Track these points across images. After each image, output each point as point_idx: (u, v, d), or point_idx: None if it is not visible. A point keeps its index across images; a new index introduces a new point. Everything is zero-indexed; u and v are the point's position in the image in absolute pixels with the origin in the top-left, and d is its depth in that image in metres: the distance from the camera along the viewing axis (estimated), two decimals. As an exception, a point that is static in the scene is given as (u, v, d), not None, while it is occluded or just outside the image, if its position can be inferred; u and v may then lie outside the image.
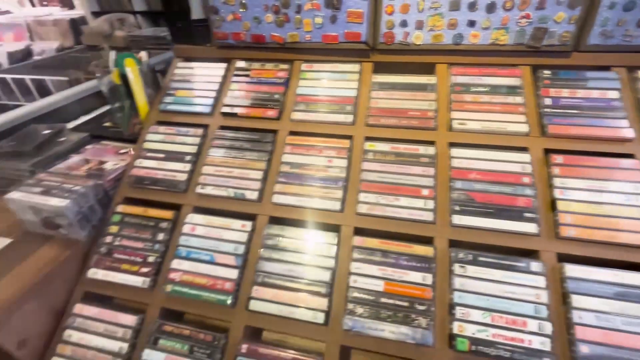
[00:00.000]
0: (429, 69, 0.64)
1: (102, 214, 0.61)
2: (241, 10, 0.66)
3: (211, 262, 0.54)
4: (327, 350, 0.48)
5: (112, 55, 0.64)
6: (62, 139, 0.71)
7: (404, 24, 0.60)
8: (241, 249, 0.54)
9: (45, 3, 2.65)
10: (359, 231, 0.53)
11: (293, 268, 0.52)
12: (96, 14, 2.20)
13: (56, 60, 1.69)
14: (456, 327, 0.45)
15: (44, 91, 1.42)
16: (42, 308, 0.52)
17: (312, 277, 0.51)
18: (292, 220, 0.56)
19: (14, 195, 0.55)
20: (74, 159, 0.68)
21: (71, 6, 2.61)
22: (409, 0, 0.58)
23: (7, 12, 2.62)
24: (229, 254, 0.54)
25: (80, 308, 0.54)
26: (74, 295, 0.56)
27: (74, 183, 0.58)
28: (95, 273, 0.56)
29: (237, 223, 0.57)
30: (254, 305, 0.50)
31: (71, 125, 0.86)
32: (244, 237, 0.55)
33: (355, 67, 0.65)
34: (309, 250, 0.53)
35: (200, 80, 0.71)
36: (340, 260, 0.52)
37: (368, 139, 0.59)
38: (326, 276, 0.51)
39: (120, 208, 0.61)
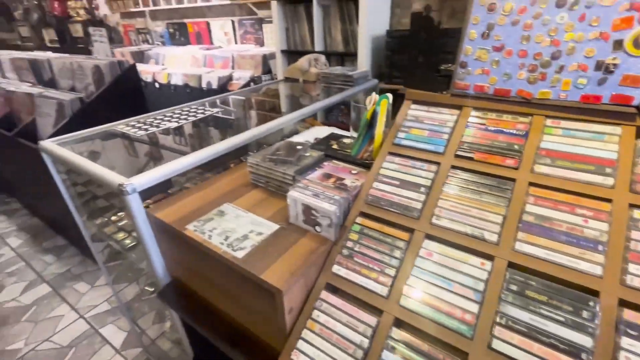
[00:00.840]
0: None
1: (343, 221, 0.73)
2: (493, 66, 0.73)
3: (449, 290, 0.58)
4: (586, 423, 0.45)
5: (374, 95, 0.79)
6: (307, 154, 0.89)
7: (699, 92, 0.56)
8: (480, 286, 0.57)
9: (244, 42, 3.43)
10: (623, 303, 0.50)
11: (542, 321, 0.52)
12: (283, 52, 2.72)
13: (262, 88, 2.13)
14: None
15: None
16: (302, 287, 0.65)
17: (566, 336, 0.50)
18: (533, 270, 0.56)
19: (294, 194, 0.72)
20: (319, 172, 0.84)
21: (262, 44, 3.30)
22: None
23: (220, 47, 3.49)
24: (467, 287, 0.58)
25: (326, 295, 0.66)
26: (318, 283, 0.68)
27: (332, 192, 0.72)
28: (339, 270, 0.67)
29: (475, 259, 0.60)
30: (498, 345, 0.52)
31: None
32: (483, 274, 0.58)
33: (616, 129, 0.63)
34: (560, 307, 0.52)
35: (433, 122, 0.80)
36: (603, 327, 0.49)
37: (635, 206, 0.56)
38: (587, 342, 0.48)
39: (360, 220, 0.72)
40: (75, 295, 1.94)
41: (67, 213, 1.98)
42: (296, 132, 1.40)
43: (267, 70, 2.89)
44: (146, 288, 1.94)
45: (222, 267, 0.69)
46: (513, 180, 0.66)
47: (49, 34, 4.94)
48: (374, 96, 0.79)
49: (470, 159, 0.71)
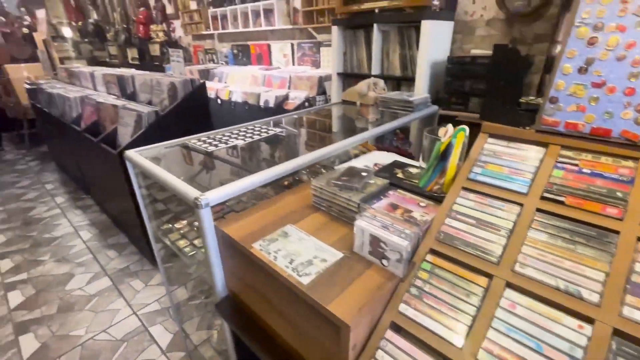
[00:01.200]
0: None
1: (411, 257, 0.70)
2: (590, 104, 0.67)
3: (538, 352, 0.52)
4: None
5: (450, 127, 0.77)
6: (372, 181, 0.88)
7: None
8: (578, 353, 0.50)
9: (301, 63, 3.58)
10: None
11: (664, 409, 0.43)
12: (339, 75, 2.79)
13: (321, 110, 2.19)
14: None
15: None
16: (368, 323, 0.63)
17: None
18: (648, 344, 0.48)
19: (361, 223, 0.71)
20: (384, 201, 0.82)
21: (318, 66, 3.42)
22: None
23: (278, 68, 3.68)
24: (562, 352, 0.51)
25: (391, 335, 0.62)
26: (382, 321, 0.65)
27: (401, 225, 0.69)
28: (406, 310, 0.64)
29: (570, 320, 0.53)
30: None
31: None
32: (581, 339, 0.51)
33: None
34: (689, 397, 0.43)
35: (513, 158, 0.75)
36: None
37: None
38: None
39: (430, 258, 0.69)
40: (130, 292, 2.08)
41: (130, 213, 2.16)
42: (348, 155, 1.39)
43: (322, 92, 2.98)
44: (198, 294, 2.02)
45: (285, 290, 0.69)
46: (617, 232, 0.58)
47: (132, 53, 5.63)
48: (450, 128, 0.77)
49: (561, 203, 0.64)
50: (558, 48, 2.01)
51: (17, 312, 1.94)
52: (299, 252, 0.73)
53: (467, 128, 0.78)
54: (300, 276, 0.66)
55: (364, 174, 0.89)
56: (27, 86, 3.91)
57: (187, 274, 2.20)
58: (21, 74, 4.34)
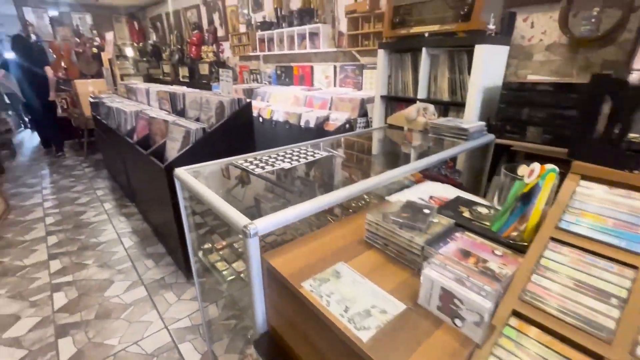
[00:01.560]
0: None
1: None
2: None
3: None
4: None
5: (537, 167, 0.66)
6: (436, 220, 0.78)
7: None
8: None
9: (343, 85, 3.59)
10: None
11: None
12: (383, 97, 2.73)
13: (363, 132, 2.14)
14: None
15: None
16: (439, 398, 0.52)
17: None
18: None
19: (430, 273, 0.61)
20: (453, 245, 0.72)
21: (360, 88, 3.41)
22: None
23: (319, 89, 3.72)
24: None
25: (468, 419, 0.51)
26: (455, 396, 0.54)
27: (479, 279, 0.59)
28: (487, 387, 0.53)
29: None
30: None
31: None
32: None
33: None
34: None
35: (618, 208, 0.63)
36: None
37: None
38: None
39: (514, 323, 0.57)
40: (164, 304, 2.08)
41: (169, 224, 2.20)
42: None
43: (364, 114, 2.94)
44: (231, 317, 1.97)
45: (338, 342, 0.61)
46: None
47: (183, 71, 6.04)
48: (537, 167, 0.66)
49: (695, 272, 0.51)
50: (633, 76, 1.81)
51: (60, 314, 2.01)
52: (354, 298, 0.65)
53: (557, 169, 0.67)
54: (358, 330, 0.58)
55: (426, 211, 0.80)
56: (91, 99, 4.29)
57: (219, 291, 2.18)
58: (87, 89, 4.79)
